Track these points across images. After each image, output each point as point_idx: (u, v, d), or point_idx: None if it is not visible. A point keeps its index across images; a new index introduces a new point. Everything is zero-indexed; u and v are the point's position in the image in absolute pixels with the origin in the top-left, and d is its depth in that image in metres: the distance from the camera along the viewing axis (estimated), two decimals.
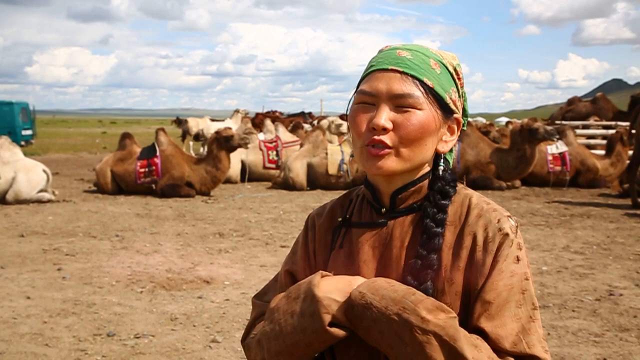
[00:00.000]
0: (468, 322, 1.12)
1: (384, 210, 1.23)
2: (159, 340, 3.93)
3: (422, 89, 1.15)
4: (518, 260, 1.13)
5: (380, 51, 1.25)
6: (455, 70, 1.22)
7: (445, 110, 1.18)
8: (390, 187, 1.21)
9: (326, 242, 1.29)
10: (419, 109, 1.14)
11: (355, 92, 1.22)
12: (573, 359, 3.60)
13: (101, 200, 10.16)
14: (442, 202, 1.19)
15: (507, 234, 1.14)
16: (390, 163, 1.15)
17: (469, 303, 1.13)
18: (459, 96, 1.23)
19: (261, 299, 1.33)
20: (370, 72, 1.19)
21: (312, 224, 1.34)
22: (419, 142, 1.15)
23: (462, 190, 1.24)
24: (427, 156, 1.19)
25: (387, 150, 1.14)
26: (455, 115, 1.21)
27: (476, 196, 1.22)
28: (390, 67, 1.16)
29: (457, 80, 1.22)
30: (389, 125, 1.13)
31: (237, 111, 19.91)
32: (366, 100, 1.17)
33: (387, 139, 1.13)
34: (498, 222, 1.15)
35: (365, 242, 1.23)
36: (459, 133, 1.24)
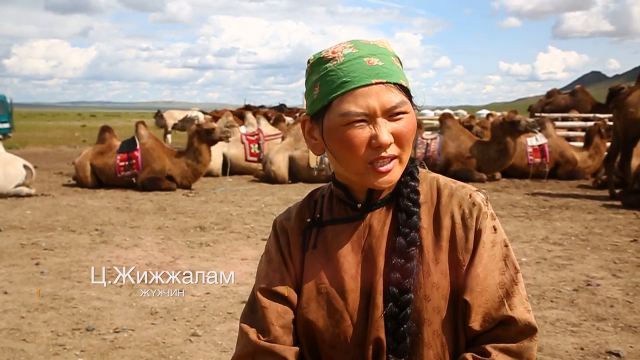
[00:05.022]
0: (459, 296, 1.17)
1: (359, 205, 1.24)
2: (138, 334, 3.90)
3: (402, 92, 1.15)
4: (495, 230, 1.21)
5: (328, 60, 1.17)
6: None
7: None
8: None
9: (299, 244, 1.28)
10: (407, 112, 1.15)
11: (325, 110, 1.16)
12: (551, 348, 3.65)
13: (80, 194, 10.04)
14: (412, 182, 1.23)
15: (481, 208, 1.20)
16: (396, 174, 1.17)
17: (457, 280, 1.17)
18: None
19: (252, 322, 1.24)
20: (349, 90, 1.13)
21: (282, 228, 1.31)
22: (411, 142, 1.17)
23: (428, 174, 1.28)
24: None
25: (393, 165, 1.15)
26: None
27: (442, 177, 1.28)
28: (373, 81, 1.13)
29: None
30: (392, 140, 1.14)
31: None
32: (356, 119, 1.13)
33: (392, 151, 1.14)
34: (470, 197, 1.21)
35: (343, 237, 1.24)
36: None
